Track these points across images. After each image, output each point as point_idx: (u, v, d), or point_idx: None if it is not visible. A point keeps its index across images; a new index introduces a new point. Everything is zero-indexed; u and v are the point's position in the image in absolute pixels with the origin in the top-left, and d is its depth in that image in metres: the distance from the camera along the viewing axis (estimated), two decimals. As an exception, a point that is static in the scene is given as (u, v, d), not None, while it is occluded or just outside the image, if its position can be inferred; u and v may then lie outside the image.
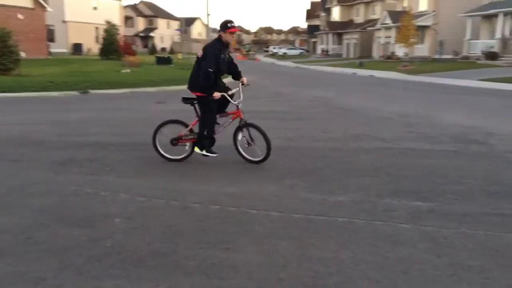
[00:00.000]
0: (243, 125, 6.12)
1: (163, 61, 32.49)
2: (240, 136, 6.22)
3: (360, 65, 34.92)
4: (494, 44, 32.67)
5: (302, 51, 72.77)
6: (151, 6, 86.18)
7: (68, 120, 9.95)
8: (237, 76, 6.34)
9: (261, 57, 60.54)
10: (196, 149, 6.30)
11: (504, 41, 32.65)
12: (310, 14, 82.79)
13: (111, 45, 36.12)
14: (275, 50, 74.49)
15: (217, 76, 6.04)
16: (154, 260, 3.55)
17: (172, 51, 63.45)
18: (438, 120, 10.26)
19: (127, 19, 75.50)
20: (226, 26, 5.90)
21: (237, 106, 6.11)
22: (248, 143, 6.12)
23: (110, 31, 36.64)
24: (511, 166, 6.33)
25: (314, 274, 3.35)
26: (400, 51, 39.13)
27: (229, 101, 6.09)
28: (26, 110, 11.59)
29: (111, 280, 3.23)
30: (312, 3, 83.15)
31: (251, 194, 5.12)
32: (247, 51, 64.10)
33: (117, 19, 48.42)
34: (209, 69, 5.75)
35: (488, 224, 4.27)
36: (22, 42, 23.40)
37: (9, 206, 4.65)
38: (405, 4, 44.75)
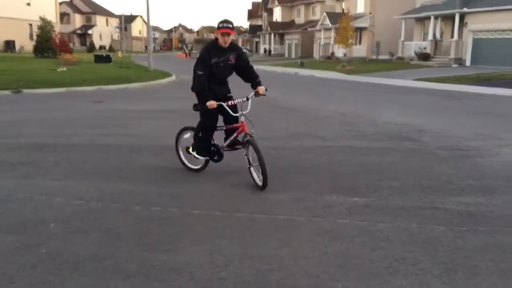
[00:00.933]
0: (245, 142, 5.26)
1: (102, 59, 31.58)
2: (244, 153, 5.37)
3: (301, 65, 35.63)
4: (426, 46, 34.43)
5: (245, 50, 73.00)
6: (89, 3, 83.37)
7: (0, 121, 9.43)
8: (253, 83, 5.36)
9: (204, 56, 60.01)
10: (190, 149, 5.73)
11: (435, 42, 34.49)
12: (252, 14, 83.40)
13: (46, 43, 34.66)
14: (218, 50, 74.16)
15: (217, 81, 5.29)
16: (92, 264, 3.44)
17: (111, 49, 61.70)
18: (375, 118, 10.66)
19: (63, 16, 72.65)
20: (218, 26, 5.09)
21: (241, 118, 5.30)
22: (249, 163, 5.34)
23: (45, 27, 35.13)
24: (442, 161, 6.70)
25: (255, 272, 3.38)
26: (339, 51, 40.35)
27: (231, 113, 5.23)
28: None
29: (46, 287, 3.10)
30: (254, 3, 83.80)
31: (193, 194, 5.09)
32: (189, 50, 63.56)
33: (52, 16, 46.47)
34: (198, 72, 5.06)
35: (421, 217, 4.50)
36: None
37: None
38: (344, 6, 46.15)
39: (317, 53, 49.19)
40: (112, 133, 8.32)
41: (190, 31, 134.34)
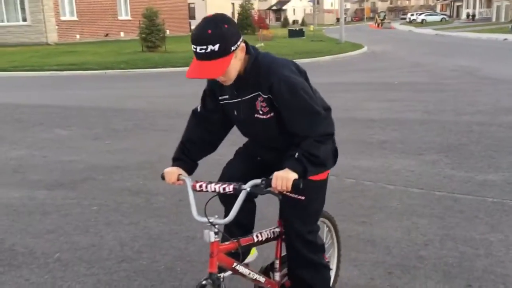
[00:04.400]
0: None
1: (295, 33, 32.63)
2: None
3: (513, 30, 31.14)
4: None
5: (443, 17, 67.12)
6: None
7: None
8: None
9: (396, 25, 57.35)
10: None
11: None
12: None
13: (246, 20, 37.32)
14: (412, 17, 69.85)
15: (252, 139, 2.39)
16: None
17: (304, 23, 63.31)
18: None
19: (261, -7, 76.97)
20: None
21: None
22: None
23: (245, 6, 37.82)
24: None
25: (459, 255, 3.16)
26: None
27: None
28: (173, 84, 12.59)
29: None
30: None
31: (387, 168, 4.97)
32: (381, 20, 61.20)
33: (252, -7, 49.66)
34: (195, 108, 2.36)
35: None
36: (167, 21, 25.24)
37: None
38: None
39: (533, 15, 42.36)
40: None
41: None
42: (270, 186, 1.92)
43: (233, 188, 1.98)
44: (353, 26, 70.34)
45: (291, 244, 2.23)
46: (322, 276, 2.32)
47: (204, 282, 1.90)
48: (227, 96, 2.15)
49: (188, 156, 2.28)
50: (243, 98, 2.09)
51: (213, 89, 2.21)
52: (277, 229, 2.32)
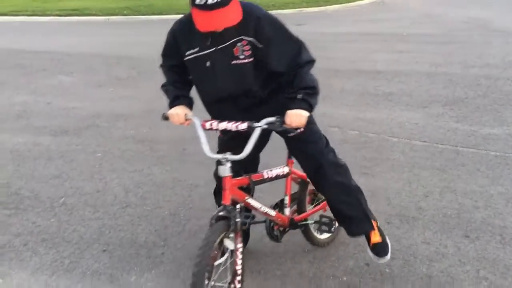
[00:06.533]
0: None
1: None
2: None
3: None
4: None
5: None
6: None
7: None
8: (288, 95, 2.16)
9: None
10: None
11: None
12: None
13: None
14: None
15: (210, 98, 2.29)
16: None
17: (312, -30, 61.08)
18: None
19: None
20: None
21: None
22: None
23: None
24: None
25: (458, 207, 3.20)
26: None
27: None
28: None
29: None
30: None
31: (392, 121, 4.95)
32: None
33: None
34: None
35: None
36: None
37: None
38: None
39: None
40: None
41: None
42: (285, 123, 2.03)
43: (247, 126, 2.04)
44: (363, -26, 67.95)
45: (320, 173, 2.35)
46: (357, 200, 2.45)
47: (220, 213, 1.99)
48: (197, 49, 2.10)
49: (183, 94, 2.26)
50: (219, 47, 2.07)
51: (178, 42, 2.17)
52: (286, 168, 2.46)
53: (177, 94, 2.23)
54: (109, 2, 18.68)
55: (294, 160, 2.48)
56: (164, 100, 2.31)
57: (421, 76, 6.65)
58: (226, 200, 2.02)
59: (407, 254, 2.70)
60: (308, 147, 2.34)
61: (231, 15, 1.94)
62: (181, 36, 2.14)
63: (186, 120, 2.17)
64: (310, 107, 2.09)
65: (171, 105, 2.21)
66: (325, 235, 2.75)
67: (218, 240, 1.94)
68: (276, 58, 2.09)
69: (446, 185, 3.51)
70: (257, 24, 2.04)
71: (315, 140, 2.35)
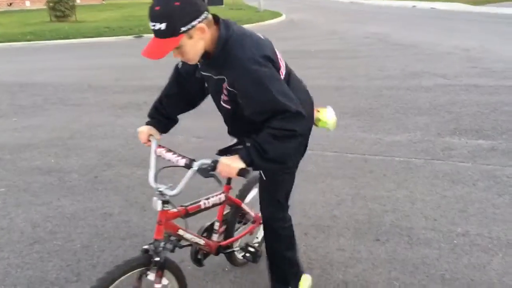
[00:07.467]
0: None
1: (214, 2, 32.04)
2: None
3: (420, -2, 32.79)
4: None
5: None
6: None
7: (125, 65, 10.18)
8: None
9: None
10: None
11: None
12: None
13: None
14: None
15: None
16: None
17: (222, -9, 62.11)
18: (504, 53, 9.59)
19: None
20: None
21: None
22: None
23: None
24: None
25: (368, 212, 3.36)
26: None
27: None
28: (85, 56, 11.93)
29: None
30: None
31: (305, 134, 5.10)
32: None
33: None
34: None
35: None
36: (77, -11, 23.68)
37: (74, 148, 4.93)
38: None
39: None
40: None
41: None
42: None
43: (184, 164, 1.95)
44: (271, -6, 70.27)
45: (264, 225, 2.32)
46: (283, 271, 2.38)
47: (146, 247, 1.91)
48: (199, 63, 1.99)
49: (162, 114, 2.21)
50: (214, 76, 1.93)
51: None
52: (223, 195, 2.35)
53: (152, 115, 2.22)
54: (11, 27, 17.67)
55: (231, 186, 2.39)
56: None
57: (330, 90, 6.97)
58: (158, 235, 1.92)
59: (324, 263, 2.78)
60: (264, 193, 2.25)
61: (164, 48, 1.69)
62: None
63: (149, 141, 2.15)
64: (250, 164, 1.81)
65: (146, 122, 2.21)
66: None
67: (137, 275, 1.88)
68: (251, 112, 1.87)
69: (357, 192, 3.68)
70: (236, 81, 1.83)
71: (271, 198, 2.22)
